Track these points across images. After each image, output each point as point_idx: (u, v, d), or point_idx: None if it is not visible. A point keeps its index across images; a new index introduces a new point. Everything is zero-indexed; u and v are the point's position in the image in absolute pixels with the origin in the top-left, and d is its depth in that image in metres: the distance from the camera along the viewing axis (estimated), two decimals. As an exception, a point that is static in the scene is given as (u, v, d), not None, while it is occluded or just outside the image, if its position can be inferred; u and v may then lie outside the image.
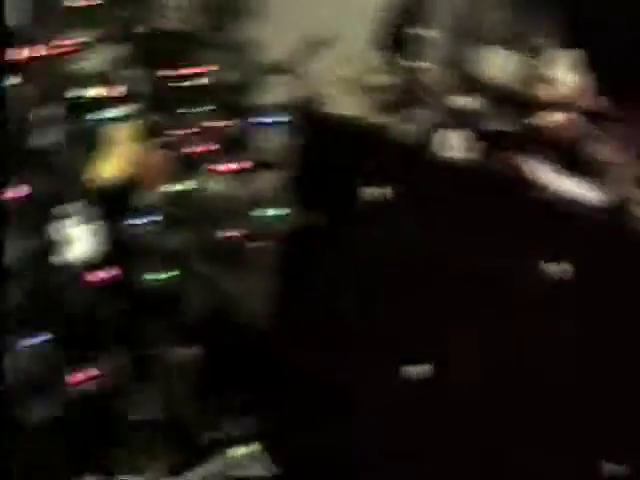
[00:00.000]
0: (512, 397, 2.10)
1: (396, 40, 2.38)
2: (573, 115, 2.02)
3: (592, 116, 2.02)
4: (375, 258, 2.24)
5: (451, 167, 2.11)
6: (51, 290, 2.13)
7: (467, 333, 2.12)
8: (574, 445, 2.04)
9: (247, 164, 2.49)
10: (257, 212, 2.43)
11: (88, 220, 2.03)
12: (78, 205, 2.02)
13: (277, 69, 2.57)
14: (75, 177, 2.05)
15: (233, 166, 2.49)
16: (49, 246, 2.02)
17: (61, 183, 2.02)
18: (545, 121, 2.05)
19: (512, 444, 2.10)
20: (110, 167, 2.07)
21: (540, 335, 2.05)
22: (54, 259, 2.01)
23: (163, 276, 2.41)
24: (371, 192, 2.20)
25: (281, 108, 2.49)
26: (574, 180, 1.99)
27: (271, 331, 2.46)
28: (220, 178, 2.47)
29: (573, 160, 2.01)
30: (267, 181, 2.49)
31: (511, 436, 2.11)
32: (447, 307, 2.15)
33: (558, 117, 2.04)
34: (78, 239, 2.01)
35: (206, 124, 2.41)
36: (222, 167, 2.46)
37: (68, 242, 2.01)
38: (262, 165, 2.51)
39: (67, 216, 1.99)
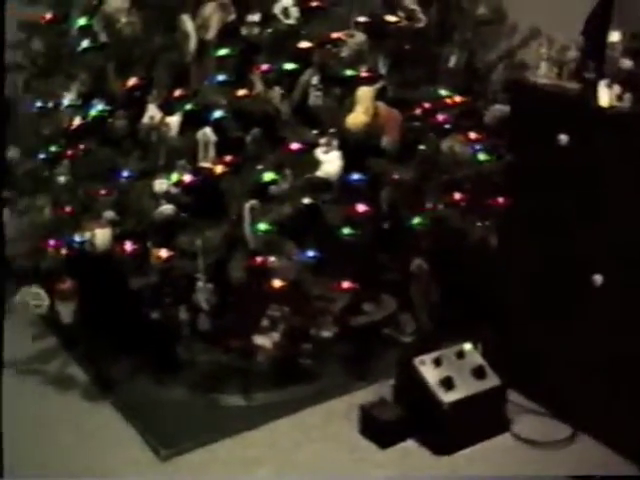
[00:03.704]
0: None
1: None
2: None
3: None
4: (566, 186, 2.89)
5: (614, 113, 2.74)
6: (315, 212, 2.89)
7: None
8: None
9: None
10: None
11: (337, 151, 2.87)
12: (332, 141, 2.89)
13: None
14: (333, 124, 2.90)
15: (477, 135, 3.24)
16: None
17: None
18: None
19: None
20: (355, 118, 2.92)
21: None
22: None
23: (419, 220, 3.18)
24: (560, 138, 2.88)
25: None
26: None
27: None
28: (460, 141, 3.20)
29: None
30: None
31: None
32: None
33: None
34: (328, 161, 2.85)
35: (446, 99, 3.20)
36: (473, 135, 3.21)
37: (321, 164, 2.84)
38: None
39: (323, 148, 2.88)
